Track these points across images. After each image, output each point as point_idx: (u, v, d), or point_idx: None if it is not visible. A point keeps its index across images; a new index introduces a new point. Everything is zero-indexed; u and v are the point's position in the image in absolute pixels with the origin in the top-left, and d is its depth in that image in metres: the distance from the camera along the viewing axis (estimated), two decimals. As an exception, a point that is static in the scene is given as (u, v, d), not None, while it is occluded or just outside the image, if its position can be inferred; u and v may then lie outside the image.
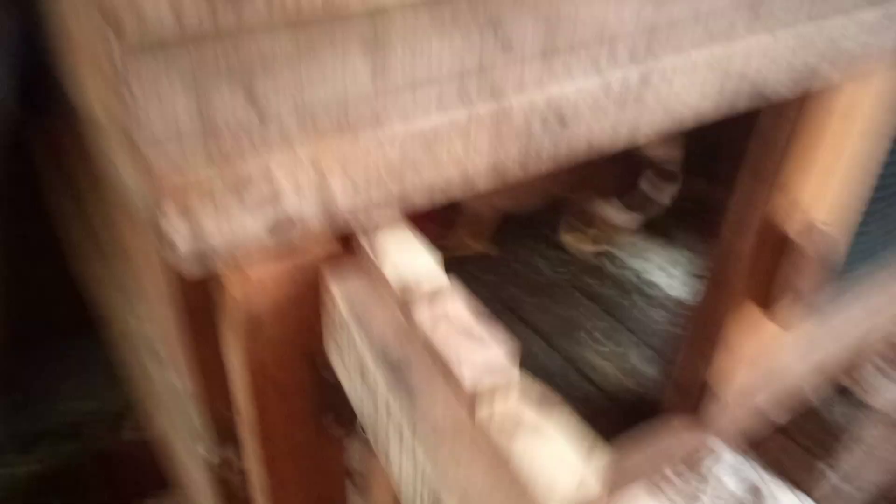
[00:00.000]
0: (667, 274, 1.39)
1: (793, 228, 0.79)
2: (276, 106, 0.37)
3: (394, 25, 0.38)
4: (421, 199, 0.46)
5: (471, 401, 0.36)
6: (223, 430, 0.54)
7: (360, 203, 0.43)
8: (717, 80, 0.56)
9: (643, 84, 0.51)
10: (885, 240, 0.99)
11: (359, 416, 0.43)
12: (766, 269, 0.81)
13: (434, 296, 0.40)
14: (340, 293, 0.43)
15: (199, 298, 0.46)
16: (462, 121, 0.44)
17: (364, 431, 0.48)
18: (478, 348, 0.37)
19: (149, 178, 0.35)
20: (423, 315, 0.39)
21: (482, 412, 0.35)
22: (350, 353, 0.42)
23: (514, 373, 0.36)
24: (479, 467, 0.33)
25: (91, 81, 0.44)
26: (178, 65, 0.33)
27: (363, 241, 0.43)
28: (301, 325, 0.46)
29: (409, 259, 0.43)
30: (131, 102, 0.33)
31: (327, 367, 0.49)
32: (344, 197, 0.42)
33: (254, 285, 0.42)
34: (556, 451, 0.33)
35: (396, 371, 0.38)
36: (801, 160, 0.74)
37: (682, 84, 0.54)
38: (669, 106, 0.55)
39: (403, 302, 0.41)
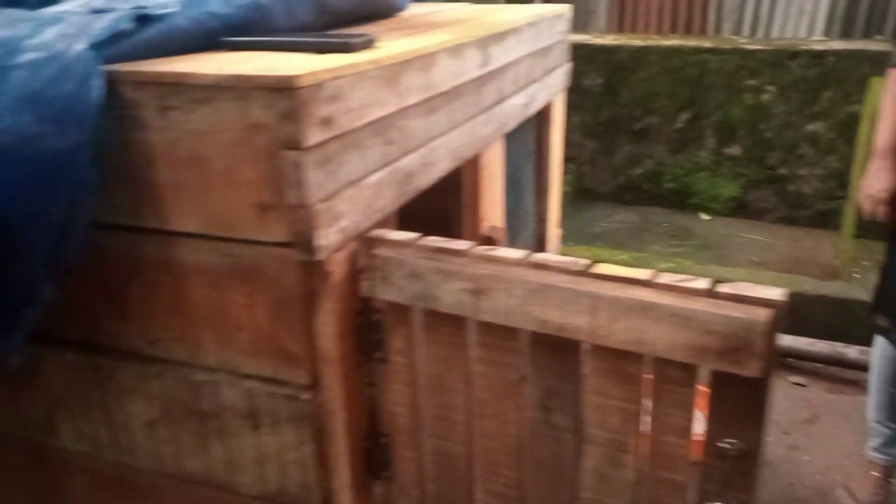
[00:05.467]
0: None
1: (487, 230, 1.54)
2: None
3: (356, 152, 0.98)
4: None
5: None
6: (312, 379, 0.99)
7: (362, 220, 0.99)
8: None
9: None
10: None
11: (412, 300, 0.97)
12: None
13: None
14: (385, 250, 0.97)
15: (304, 296, 0.94)
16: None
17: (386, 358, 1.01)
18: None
19: (310, 218, 0.87)
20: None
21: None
22: (402, 270, 0.95)
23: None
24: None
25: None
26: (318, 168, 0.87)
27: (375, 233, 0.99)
28: (351, 291, 0.98)
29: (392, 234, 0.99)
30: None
31: (362, 315, 1.01)
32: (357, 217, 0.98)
33: (336, 263, 0.93)
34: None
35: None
36: (481, 194, 1.49)
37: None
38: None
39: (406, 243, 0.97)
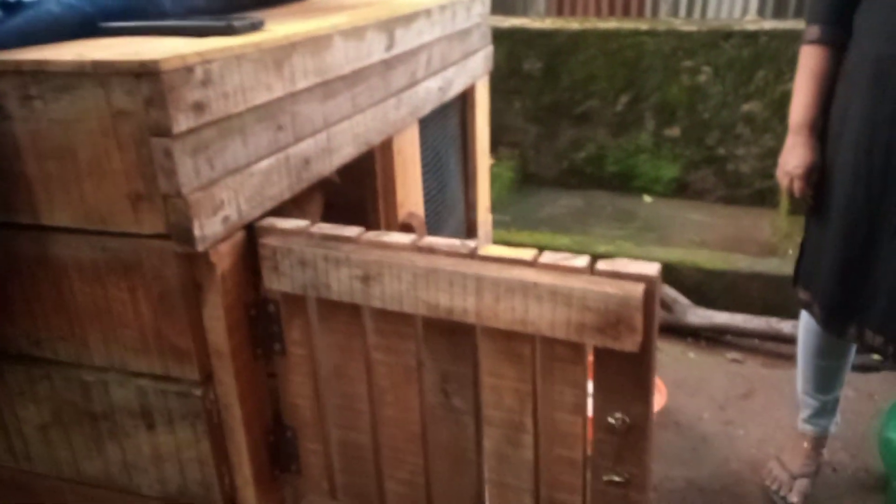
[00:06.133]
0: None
1: (405, 217, 1.52)
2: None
3: (240, 139, 0.94)
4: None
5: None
6: (204, 375, 0.96)
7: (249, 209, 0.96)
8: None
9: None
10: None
11: (304, 289, 0.94)
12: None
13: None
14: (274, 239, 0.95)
15: (189, 289, 0.91)
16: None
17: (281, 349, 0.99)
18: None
19: (186, 208, 0.84)
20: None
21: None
22: (290, 259, 0.93)
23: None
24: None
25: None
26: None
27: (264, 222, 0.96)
28: (240, 283, 0.95)
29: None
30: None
31: (256, 307, 0.98)
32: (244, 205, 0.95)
33: (221, 254, 0.91)
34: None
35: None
36: (396, 180, 1.47)
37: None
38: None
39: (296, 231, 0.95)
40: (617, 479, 0.89)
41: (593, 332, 0.80)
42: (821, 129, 1.71)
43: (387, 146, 1.42)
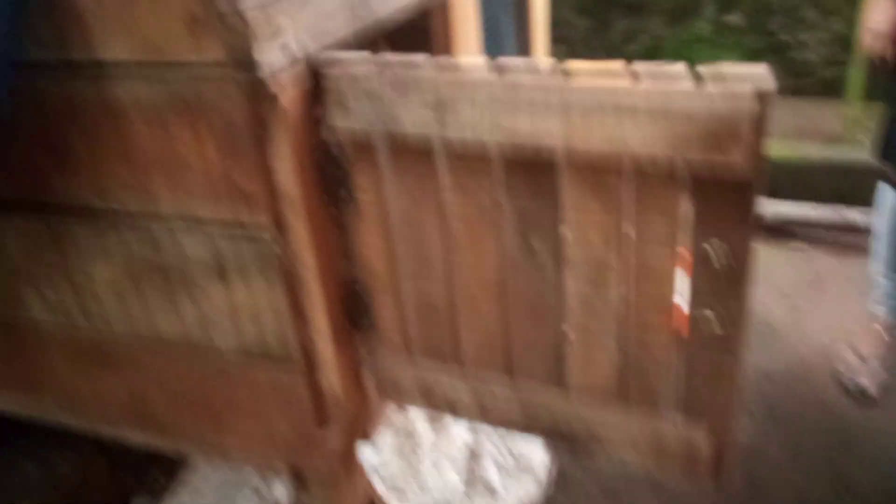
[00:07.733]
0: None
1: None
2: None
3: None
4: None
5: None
6: (273, 220, 0.93)
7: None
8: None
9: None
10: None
11: (371, 124, 0.89)
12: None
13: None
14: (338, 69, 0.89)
15: (253, 125, 0.87)
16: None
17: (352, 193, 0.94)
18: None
19: (244, 27, 0.78)
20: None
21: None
22: (356, 90, 0.87)
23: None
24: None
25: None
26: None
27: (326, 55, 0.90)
28: (305, 121, 0.90)
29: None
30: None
31: (320, 149, 0.94)
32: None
33: (283, 86, 0.85)
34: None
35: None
36: (454, 43, 1.39)
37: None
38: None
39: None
40: (711, 314, 0.83)
41: (696, 146, 0.73)
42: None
43: (443, 7, 1.33)
